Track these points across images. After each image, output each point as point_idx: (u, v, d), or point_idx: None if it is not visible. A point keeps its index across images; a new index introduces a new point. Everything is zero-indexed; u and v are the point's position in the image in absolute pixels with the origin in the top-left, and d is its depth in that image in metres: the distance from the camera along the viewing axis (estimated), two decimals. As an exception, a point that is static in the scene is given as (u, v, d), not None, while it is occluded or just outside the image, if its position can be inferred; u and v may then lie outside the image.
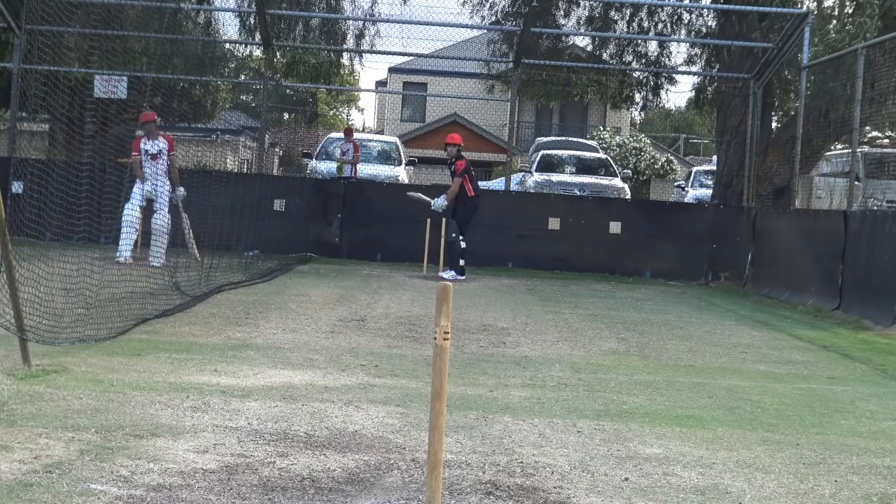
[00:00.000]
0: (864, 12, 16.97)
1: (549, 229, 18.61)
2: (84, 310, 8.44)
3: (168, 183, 14.85)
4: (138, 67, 19.94)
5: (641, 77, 24.57)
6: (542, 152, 26.65)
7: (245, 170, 33.59)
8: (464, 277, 15.56)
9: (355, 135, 24.87)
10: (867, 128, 19.91)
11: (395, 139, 28.49)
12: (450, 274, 15.55)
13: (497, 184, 26.35)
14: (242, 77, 29.40)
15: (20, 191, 14.05)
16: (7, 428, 5.12)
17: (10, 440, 4.89)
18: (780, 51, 18.14)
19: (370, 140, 27.69)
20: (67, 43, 18.13)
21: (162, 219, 14.68)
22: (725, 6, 19.62)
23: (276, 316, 10.18)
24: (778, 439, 5.90)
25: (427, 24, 21.04)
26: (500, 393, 6.86)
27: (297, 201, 18.39)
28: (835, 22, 19.58)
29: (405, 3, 23.14)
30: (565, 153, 26.90)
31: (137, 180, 14.76)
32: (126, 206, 14.53)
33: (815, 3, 20.24)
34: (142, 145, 14.83)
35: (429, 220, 16.45)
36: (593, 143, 33.09)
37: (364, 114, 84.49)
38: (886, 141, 25.77)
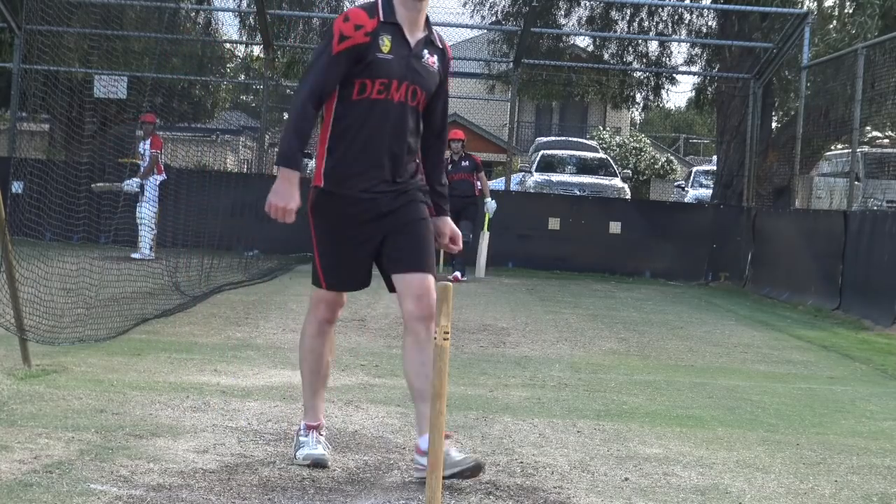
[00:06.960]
0: (864, 12, 16.99)
1: (549, 229, 18.60)
2: (84, 310, 8.44)
3: (154, 177, 15.39)
4: (138, 67, 19.93)
5: (642, 77, 24.59)
6: (542, 152, 26.65)
7: (245, 170, 33.56)
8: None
9: None
10: (867, 128, 19.90)
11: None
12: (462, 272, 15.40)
13: (497, 184, 26.33)
14: (242, 77, 29.38)
15: (20, 191, 14.08)
16: (7, 428, 5.12)
17: (10, 440, 4.89)
18: (781, 51, 18.14)
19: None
20: (67, 43, 18.12)
21: (146, 210, 15.05)
22: (725, 6, 19.62)
23: (276, 316, 10.18)
24: (778, 439, 5.90)
25: (427, 23, 21.00)
26: (500, 393, 6.86)
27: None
28: (835, 22, 19.60)
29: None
30: (565, 153, 26.90)
31: (152, 179, 15.11)
32: (144, 206, 15.00)
33: (815, 3, 20.26)
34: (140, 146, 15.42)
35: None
36: (593, 143, 33.09)
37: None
38: (886, 141, 25.75)
